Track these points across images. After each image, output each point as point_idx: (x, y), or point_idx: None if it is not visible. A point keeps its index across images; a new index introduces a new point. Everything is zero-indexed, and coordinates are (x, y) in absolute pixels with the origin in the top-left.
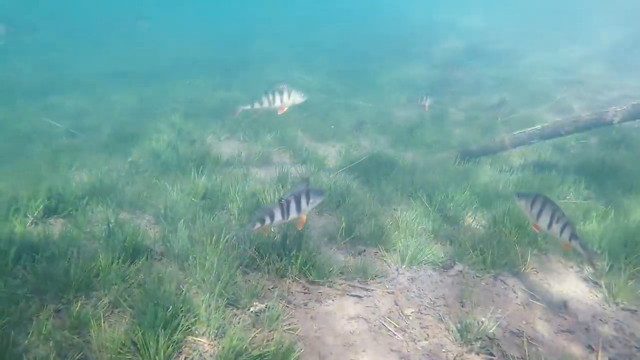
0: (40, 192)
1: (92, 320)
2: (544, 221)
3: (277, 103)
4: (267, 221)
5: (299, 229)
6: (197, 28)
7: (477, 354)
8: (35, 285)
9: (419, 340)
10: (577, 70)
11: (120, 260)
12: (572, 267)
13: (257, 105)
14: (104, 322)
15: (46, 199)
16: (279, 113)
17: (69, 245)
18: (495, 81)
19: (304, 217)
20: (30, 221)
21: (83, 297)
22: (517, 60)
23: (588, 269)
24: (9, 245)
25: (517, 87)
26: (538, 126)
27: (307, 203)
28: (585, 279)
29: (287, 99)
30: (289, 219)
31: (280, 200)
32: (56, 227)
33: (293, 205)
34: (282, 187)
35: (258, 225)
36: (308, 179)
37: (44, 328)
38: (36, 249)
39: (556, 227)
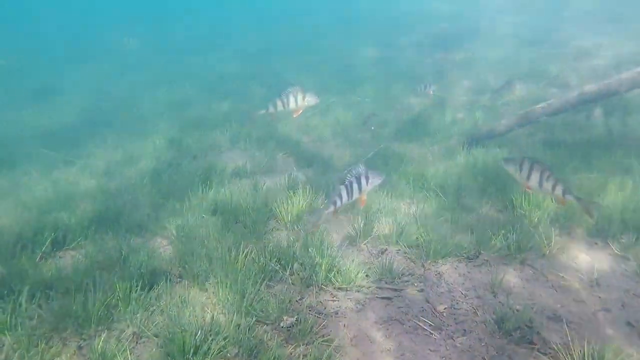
0: (45, 225)
1: (117, 354)
2: (534, 181)
3: (292, 106)
4: (339, 203)
5: (362, 207)
6: (198, 39)
7: (518, 344)
8: (53, 323)
9: (457, 337)
10: (566, 42)
11: (138, 288)
12: (596, 243)
13: (271, 109)
14: (130, 354)
15: (53, 231)
16: (294, 116)
17: (82, 277)
18: (489, 62)
19: (364, 196)
20: (39, 256)
21: (105, 330)
22: (504, 39)
23: (614, 246)
24: (21, 284)
25: (513, 66)
26: (543, 103)
27: (367, 183)
28: (612, 254)
29: (302, 101)
30: (353, 198)
31: (344, 182)
32: (67, 259)
33: (355, 186)
34: (294, 193)
35: (332, 208)
36: (365, 161)
37: None
38: (49, 285)
39: (547, 185)
